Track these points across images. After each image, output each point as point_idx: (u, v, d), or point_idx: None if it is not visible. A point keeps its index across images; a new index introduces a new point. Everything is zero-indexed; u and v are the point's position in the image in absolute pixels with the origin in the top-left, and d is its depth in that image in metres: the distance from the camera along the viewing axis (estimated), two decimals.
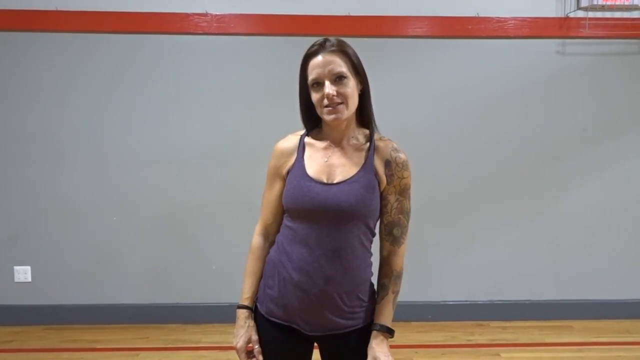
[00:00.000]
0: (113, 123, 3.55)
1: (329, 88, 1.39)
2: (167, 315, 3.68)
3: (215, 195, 3.61)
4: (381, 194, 1.48)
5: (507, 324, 3.65)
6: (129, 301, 3.67)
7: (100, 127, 3.55)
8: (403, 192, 1.52)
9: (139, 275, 3.66)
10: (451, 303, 3.73)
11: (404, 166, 1.51)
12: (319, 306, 1.41)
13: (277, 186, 1.50)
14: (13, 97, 3.51)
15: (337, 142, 1.49)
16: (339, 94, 1.40)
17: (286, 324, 1.46)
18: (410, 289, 3.76)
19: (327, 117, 1.42)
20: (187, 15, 3.46)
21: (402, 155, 1.52)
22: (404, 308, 3.81)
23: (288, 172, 1.48)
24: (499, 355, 3.17)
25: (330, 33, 3.40)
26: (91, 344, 3.33)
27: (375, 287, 1.54)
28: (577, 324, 3.66)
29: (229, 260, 3.64)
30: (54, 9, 3.40)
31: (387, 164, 1.49)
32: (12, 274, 3.62)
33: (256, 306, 1.52)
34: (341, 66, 1.42)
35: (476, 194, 3.70)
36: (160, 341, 3.37)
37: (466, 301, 3.74)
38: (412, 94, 3.61)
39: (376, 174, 1.47)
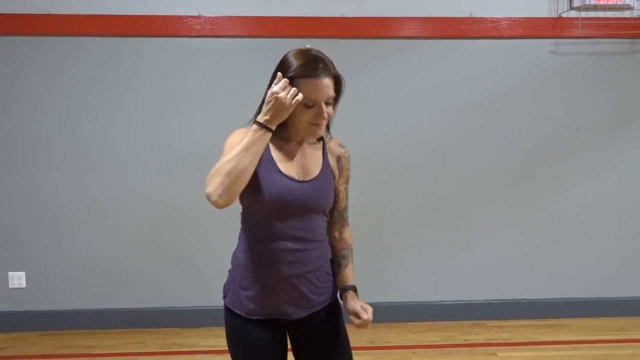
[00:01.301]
0: (107, 127, 3.52)
1: (325, 111, 1.47)
2: (164, 319, 3.67)
3: (203, 203, 3.59)
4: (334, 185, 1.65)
5: (504, 323, 3.67)
6: (125, 306, 3.65)
7: (94, 131, 3.52)
8: (348, 180, 1.70)
9: (135, 279, 3.64)
10: (448, 303, 3.74)
11: (348, 159, 1.69)
12: (302, 290, 1.54)
13: None
14: (4, 101, 3.48)
15: (300, 143, 1.59)
16: (328, 115, 1.49)
17: (270, 317, 1.55)
18: (407, 289, 3.81)
19: (313, 133, 1.52)
20: (180, 17, 3.44)
21: (346, 150, 1.69)
22: (401, 308, 3.84)
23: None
24: (496, 354, 3.18)
25: (324, 35, 3.45)
26: (87, 349, 3.31)
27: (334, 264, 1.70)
28: (572, 322, 3.68)
29: (225, 263, 3.61)
30: (46, 12, 3.38)
31: (338, 159, 1.65)
32: (6, 279, 3.59)
33: (230, 312, 1.58)
34: (333, 90, 1.50)
35: (471, 195, 3.70)
36: (156, 345, 3.36)
37: (462, 301, 3.76)
38: (405, 95, 3.61)
39: (332, 170, 1.63)
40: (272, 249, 1.51)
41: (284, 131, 1.53)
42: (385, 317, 3.71)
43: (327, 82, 1.47)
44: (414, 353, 3.21)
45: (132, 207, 3.59)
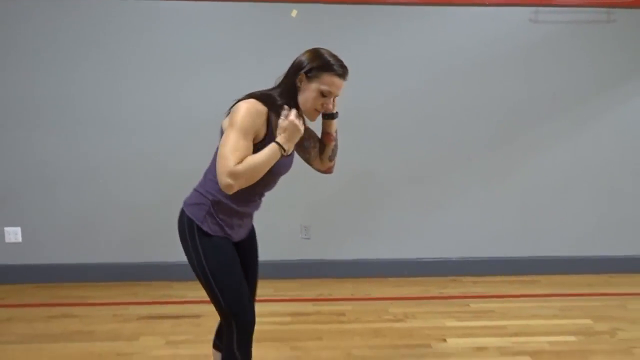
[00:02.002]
0: (100, 87, 3.63)
1: (331, 103, 1.82)
2: (154, 273, 3.83)
3: (200, 157, 3.72)
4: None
5: (479, 279, 3.87)
6: (117, 260, 3.81)
7: (87, 91, 3.62)
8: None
9: (127, 235, 3.79)
10: (426, 260, 3.93)
11: None
12: (251, 222, 2.05)
13: (250, 140, 1.71)
14: (2, 61, 3.55)
15: None
16: (331, 107, 1.84)
17: (234, 240, 1.93)
18: (388, 247, 4.00)
19: (313, 117, 1.84)
20: None
21: None
22: (381, 265, 4.04)
23: (260, 140, 1.74)
24: (469, 305, 3.38)
25: (309, 0, 3.54)
26: (82, 299, 3.47)
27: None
28: (544, 278, 3.89)
29: None
30: None
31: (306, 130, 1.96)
32: (2, 234, 3.73)
33: (208, 235, 1.83)
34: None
35: (450, 158, 3.87)
36: (148, 296, 3.53)
37: (440, 258, 3.95)
38: (387, 62, 3.73)
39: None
40: (249, 199, 1.88)
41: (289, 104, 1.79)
42: (367, 272, 3.91)
43: (343, 83, 1.80)
44: (391, 304, 3.40)
45: (123, 166, 3.72)
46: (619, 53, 3.85)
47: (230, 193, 1.67)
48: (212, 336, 2.95)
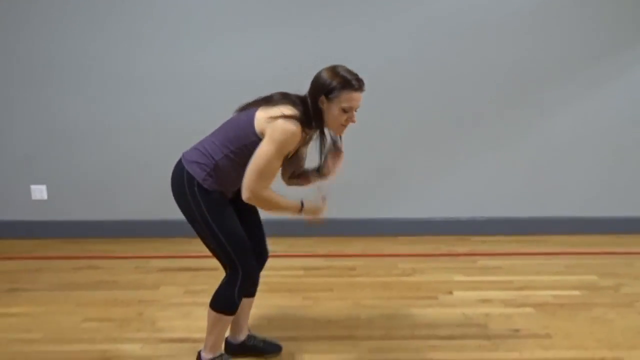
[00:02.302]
0: (119, 50, 3.70)
1: (354, 117, 1.93)
2: (174, 229, 3.93)
3: (218, 115, 3.82)
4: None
5: (487, 238, 3.96)
6: (139, 217, 3.97)
7: (108, 53, 3.70)
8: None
9: (148, 193, 3.93)
10: (436, 220, 4.03)
11: None
12: None
13: (282, 159, 1.89)
14: (24, 23, 3.66)
15: None
16: (354, 120, 1.96)
17: (229, 197, 2.02)
18: (400, 207, 4.09)
19: (340, 132, 1.98)
20: None
21: None
22: (392, 224, 4.15)
23: (285, 155, 1.90)
24: (476, 262, 3.48)
25: None
26: (105, 252, 3.65)
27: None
28: (551, 238, 3.96)
29: None
30: None
31: None
32: (29, 192, 3.91)
33: (209, 192, 1.93)
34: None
35: (462, 119, 3.89)
36: (168, 251, 3.70)
37: (450, 218, 4.04)
38: (395, 23, 3.72)
39: None
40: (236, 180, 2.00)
41: (318, 125, 1.92)
42: (378, 231, 4.02)
43: (361, 96, 1.91)
44: (401, 260, 3.51)
45: (145, 125, 3.82)
46: (629, 14, 3.79)
47: (245, 196, 1.86)
48: None
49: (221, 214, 1.94)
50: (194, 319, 2.64)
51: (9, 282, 3.14)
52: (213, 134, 2.02)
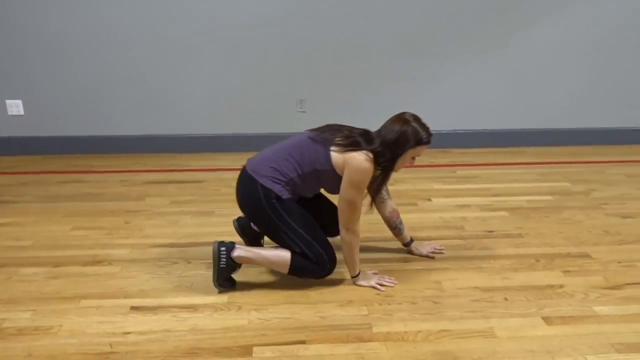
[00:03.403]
0: None
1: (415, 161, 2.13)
2: (160, 145, 3.99)
3: (196, 31, 3.72)
4: None
5: (468, 150, 4.05)
6: (122, 133, 3.95)
7: None
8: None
9: (131, 108, 3.90)
10: None
11: None
12: None
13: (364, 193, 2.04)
14: None
15: None
16: None
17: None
18: (381, 118, 4.08)
19: (400, 169, 2.11)
20: None
21: None
22: None
23: None
24: (455, 172, 3.58)
25: None
26: (90, 167, 3.67)
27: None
28: (530, 149, 4.07)
29: (212, 95, 3.87)
30: None
31: None
32: (4, 107, 3.83)
33: (282, 199, 2.04)
34: None
35: (444, 31, 3.85)
36: (154, 165, 3.72)
37: (432, 131, 4.07)
38: None
39: None
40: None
41: (390, 164, 2.04)
42: None
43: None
44: None
45: (128, 38, 3.72)
46: None
47: (342, 232, 2.06)
48: (216, 197, 3.18)
49: (298, 214, 2.07)
50: (181, 226, 2.71)
51: None
52: (286, 150, 2.09)
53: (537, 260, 2.33)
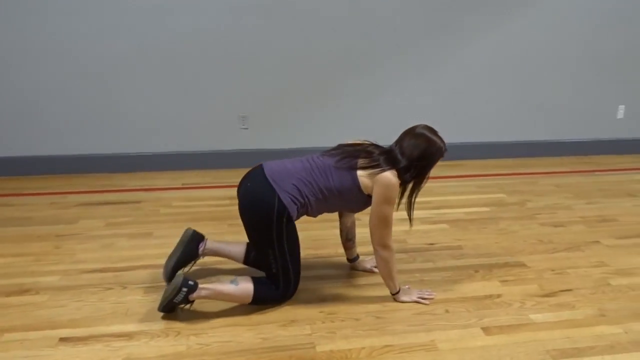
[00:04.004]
0: None
1: None
2: (92, 165, 3.82)
3: (132, 47, 3.61)
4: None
5: None
6: (52, 152, 3.76)
7: None
8: None
9: (61, 127, 3.72)
10: None
11: None
12: None
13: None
14: None
15: None
16: None
17: None
18: (323, 135, 4.13)
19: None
20: None
21: None
22: (320, 150, 4.19)
23: None
24: None
25: None
26: (17, 190, 3.46)
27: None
28: (468, 162, 4.20)
29: (149, 112, 3.76)
30: None
31: None
32: None
33: (291, 220, 2.04)
34: None
35: (385, 47, 3.94)
36: (86, 186, 3.56)
37: None
38: None
39: None
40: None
41: (419, 178, 2.08)
42: None
43: None
44: None
45: (55, 54, 3.56)
46: None
47: (377, 250, 2.06)
48: (155, 218, 3.07)
49: (294, 241, 2.08)
50: (116, 250, 2.59)
51: None
52: (309, 173, 2.05)
53: (476, 271, 2.38)
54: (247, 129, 3.96)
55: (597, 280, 2.30)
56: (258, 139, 3.99)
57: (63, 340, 1.85)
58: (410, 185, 2.09)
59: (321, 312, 2.04)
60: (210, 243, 2.28)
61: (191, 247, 2.22)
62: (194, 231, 2.26)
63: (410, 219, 2.15)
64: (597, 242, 2.71)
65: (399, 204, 2.07)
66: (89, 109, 3.71)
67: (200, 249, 2.25)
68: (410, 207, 2.13)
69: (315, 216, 2.16)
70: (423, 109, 4.10)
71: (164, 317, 1.98)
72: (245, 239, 2.28)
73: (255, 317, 2.00)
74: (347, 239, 2.39)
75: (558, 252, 2.60)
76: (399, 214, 2.18)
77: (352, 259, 2.43)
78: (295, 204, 2.01)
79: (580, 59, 4.21)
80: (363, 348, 1.81)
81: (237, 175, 3.87)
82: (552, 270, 2.39)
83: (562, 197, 3.41)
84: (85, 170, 3.80)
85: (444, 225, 2.94)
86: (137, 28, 3.59)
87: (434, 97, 4.10)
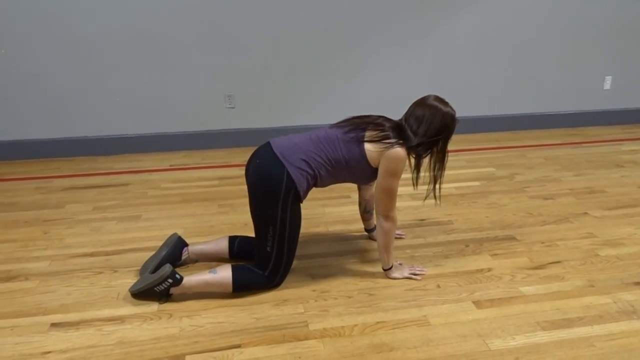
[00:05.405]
0: None
1: None
2: (76, 148, 3.76)
3: (115, 27, 3.52)
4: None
5: None
6: (34, 136, 3.69)
7: None
8: None
9: (42, 110, 3.64)
10: None
11: None
12: None
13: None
14: None
15: None
16: None
17: None
18: (310, 113, 4.10)
19: None
20: None
21: None
22: (304, 131, 4.15)
23: None
24: None
25: None
26: (1, 176, 3.39)
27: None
28: (457, 137, 4.15)
29: (133, 93, 3.69)
30: None
31: None
32: None
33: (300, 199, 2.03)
34: None
35: (369, 23, 3.88)
36: (71, 170, 3.50)
37: None
38: None
39: None
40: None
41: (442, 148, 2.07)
42: None
43: None
44: None
45: (30, 34, 3.45)
46: None
47: (380, 220, 2.06)
48: (143, 200, 3.04)
49: (296, 226, 2.04)
50: (104, 233, 2.56)
51: None
52: (316, 145, 2.02)
53: (467, 246, 2.39)
54: (233, 108, 3.91)
55: (586, 252, 2.33)
56: (245, 118, 3.94)
57: (54, 325, 1.83)
58: (428, 159, 2.06)
59: (313, 290, 2.05)
60: (192, 247, 2.25)
61: (175, 251, 2.19)
62: (180, 237, 2.23)
63: (435, 196, 2.12)
64: (586, 213, 2.74)
65: (417, 178, 2.06)
66: (71, 91, 3.63)
67: (184, 255, 2.23)
68: (434, 182, 2.10)
69: (324, 186, 2.14)
70: (410, 83, 4.06)
71: (155, 301, 1.97)
72: (227, 233, 2.25)
73: (248, 298, 1.99)
74: (365, 211, 2.43)
75: (547, 224, 2.61)
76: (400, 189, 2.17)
77: (370, 229, 2.49)
78: (305, 177, 1.98)
79: (565, 30, 4.18)
80: (356, 325, 1.82)
81: (225, 156, 3.87)
82: (542, 243, 2.41)
83: (551, 170, 3.43)
84: (70, 153, 3.73)
85: (434, 201, 2.94)
86: (119, 7, 3.49)
87: (421, 71, 4.07)
